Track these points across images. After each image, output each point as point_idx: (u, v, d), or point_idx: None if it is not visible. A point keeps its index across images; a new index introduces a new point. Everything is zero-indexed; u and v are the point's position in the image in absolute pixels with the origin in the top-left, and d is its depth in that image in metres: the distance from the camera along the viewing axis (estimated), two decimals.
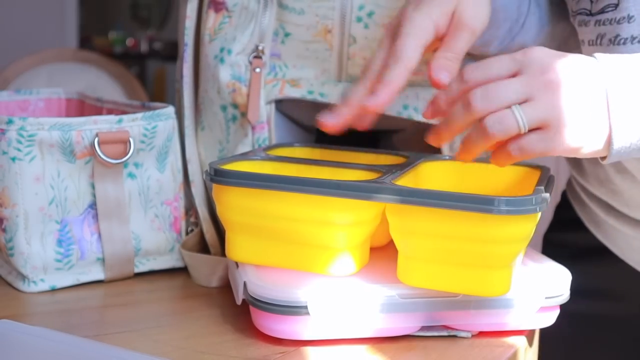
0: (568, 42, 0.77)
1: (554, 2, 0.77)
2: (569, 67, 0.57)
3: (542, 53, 0.58)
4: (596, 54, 0.59)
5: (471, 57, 0.76)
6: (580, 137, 0.57)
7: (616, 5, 0.66)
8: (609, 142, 0.58)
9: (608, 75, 0.57)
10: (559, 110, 0.56)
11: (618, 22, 0.66)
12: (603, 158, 0.60)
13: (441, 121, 0.61)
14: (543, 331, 0.69)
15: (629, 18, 0.65)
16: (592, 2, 0.68)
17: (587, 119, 0.57)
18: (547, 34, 0.75)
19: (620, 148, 0.58)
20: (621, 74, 0.58)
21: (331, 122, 0.66)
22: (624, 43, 0.65)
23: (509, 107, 0.56)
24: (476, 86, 0.58)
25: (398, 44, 0.64)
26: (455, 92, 0.59)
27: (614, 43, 0.66)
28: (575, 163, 0.87)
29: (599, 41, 0.68)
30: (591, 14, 0.69)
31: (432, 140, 0.62)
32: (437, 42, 0.66)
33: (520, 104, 0.57)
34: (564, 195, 0.95)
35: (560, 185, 0.99)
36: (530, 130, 0.57)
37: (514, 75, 0.58)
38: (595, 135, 0.57)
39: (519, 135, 0.57)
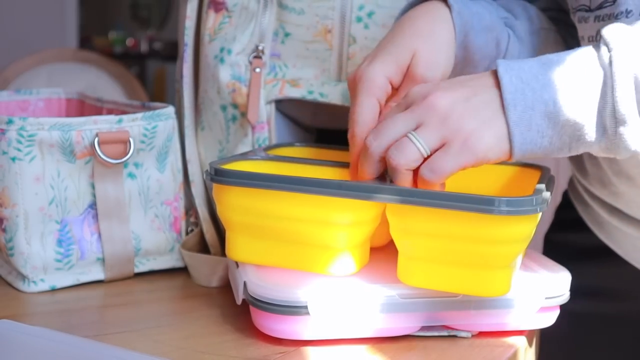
0: None
1: (541, 30, 0.77)
2: (449, 85, 0.59)
3: (419, 88, 0.60)
4: (498, 64, 0.59)
5: None
6: (483, 140, 0.57)
7: (614, 0, 0.66)
8: (510, 140, 0.58)
9: (501, 76, 0.58)
10: (452, 123, 0.57)
11: (616, 17, 0.66)
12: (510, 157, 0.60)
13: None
14: (544, 331, 0.69)
15: (627, 12, 0.65)
16: None
17: (484, 121, 0.57)
18: None
19: (524, 150, 0.58)
20: (515, 77, 0.58)
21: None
22: None
23: (401, 137, 0.58)
24: (381, 152, 0.60)
25: (354, 108, 0.64)
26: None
27: None
28: (578, 165, 0.87)
29: (598, 37, 0.68)
30: (590, 10, 0.69)
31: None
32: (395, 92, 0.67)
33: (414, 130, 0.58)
34: (565, 195, 0.94)
35: (561, 186, 0.99)
36: (434, 152, 0.58)
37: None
38: (496, 136, 0.57)
39: (425, 160, 0.58)
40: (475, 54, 0.70)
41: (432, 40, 0.66)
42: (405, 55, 0.65)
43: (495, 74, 0.59)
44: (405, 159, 0.58)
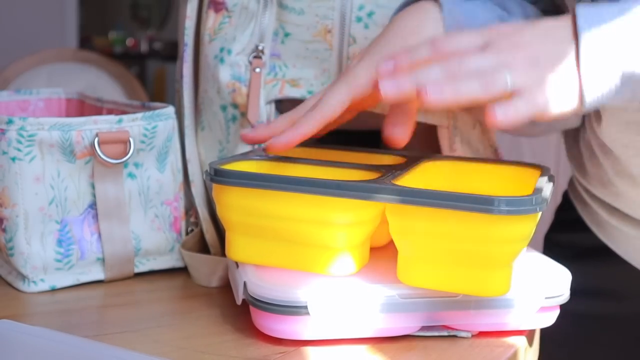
0: None
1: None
2: (533, 31, 0.58)
3: (506, 26, 0.59)
4: (578, 6, 0.59)
5: None
6: (556, 96, 0.56)
7: None
8: (581, 96, 0.57)
9: (582, 29, 0.57)
10: (530, 73, 0.56)
11: None
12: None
13: (396, 75, 0.59)
14: (544, 331, 0.69)
15: None
16: None
17: (558, 78, 0.57)
18: None
19: (592, 101, 0.57)
20: (594, 29, 0.57)
21: (249, 137, 0.68)
22: None
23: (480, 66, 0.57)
24: (447, 56, 0.58)
25: (327, 90, 0.65)
26: (422, 56, 0.59)
27: None
28: (578, 164, 0.87)
29: None
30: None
31: (388, 87, 0.59)
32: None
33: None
34: (565, 195, 0.95)
35: (561, 186, 0.99)
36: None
37: (482, 49, 0.58)
38: (568, 93, 0.57)
39: (501, 99, 0.56)
40: None
41: (422, 40, 0.66)
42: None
43: (574, 22, 0.58)
44: (496, 88, 0.56)
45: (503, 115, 0.55)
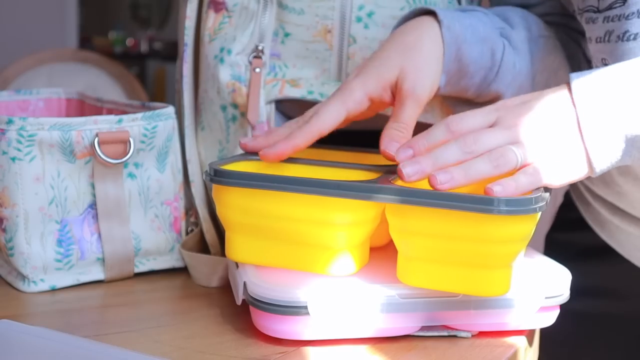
0: (558, 74, 0.77)
1: (539, 38, 0.77)
2: (538, 106, 0.60)
3: (512, 101, 0.62)
4: (572, 77, 0.61)
5: (455, 100, 0.76)
6: (562, 169, 0.60)
7: (624, 1, 0.66)
8: (590, 165, 0.60)
9: (578, 101, 0.60)
10: (537, 148, 0.59)
11: (627, 18, 0.66)
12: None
13: (416, 159, 0.60)
14: (545, 330, 0.69)
15: (638, 13, 0.65)
16: None
17: (565, 151, 0.59)
18: (526, 75, 0.75)
19: (602, 169, 0.60)
20: (591, 97, 0.60)
21: (249, 147, 0.68)
22: (634, 39, 0.65)
23: (495, 147, 0.59)
24: (461, 135, 0.60)
25: (323, 105, 0.66)
26: (438, 139, 0.61)
27: (622, 39, 0.66)
28: None
29: (607, 38, 0.68)
30: (599, 11, 0.69)
31: (410, 171, 0.60)
32: (372, 111, 0.69)
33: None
34: (566, 195, 0.95)
35: (562, 186, 0.99)
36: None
37: (492, 126, 0.61)
38: (576, 163, 0.60)
39: (510, 174, 0.59)
40: (469, 65, 0.70)
41: (419, 56, 0.67)
42: (391, 72, 0.67)
43: (576, 101, 0.60)
44: (505, 165, 0.58)
45: (502, 191, 0.56)
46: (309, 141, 0.65)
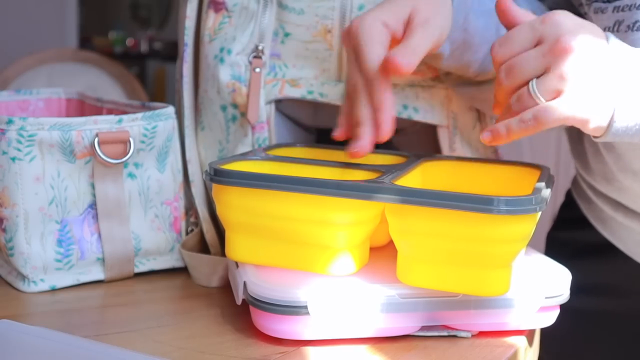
0: None
1: None
2: (584, 37, 0.58)
3: (560, 19, 0.59)
4: (609, 36, 0.60)
5: (456, 80, 0.76)
6: (589, 107, 0.58)
7: None
8: (611, 121, 0.59)
9: (617, 57, 0.59)
10: (571, 79, 0.57)
11: (638, 8, 0.66)
12: (597, 136, 0.61)
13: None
14: (546, 328, 0.68)
15: None
16: None
17: (599, 92, 0.58)
18: None
19: (618, 129, 0.59)
20: (628, 59, 0.59)
21: (359, 152, 0.66)
22: None
23: (529, 80, 0.59)
24: (503, 62, 0.60)
25: (361, 57, 0.63)
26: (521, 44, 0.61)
27: (632, 29, 0.66)
28: (582, 162, 0.87)
29: (616, 28, 0.68)
30: (608, 1, 0.69)
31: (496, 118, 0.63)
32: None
33: (540, 75, 0.59)
34: (568, 194, 0.95)
35: (562, 185, 0.99)
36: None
37: (536, 44, 0.59)
38: (603, 110, 0.59)
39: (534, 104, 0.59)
40: (474, 37, 0.70)
41: (432, 2, 0.66)
42: (404, 10, 0.65)
43: (616, 54, 0.59)
44: (523, 108, 0.59)
45: (532, 120, 0.57)
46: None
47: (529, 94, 0.58)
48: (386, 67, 0.61)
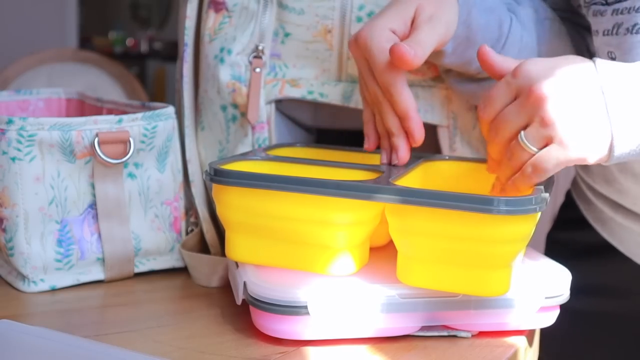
0: None
1: (545, 20, 0.77)
2: (561, 77, 0.58)
3: (529, 68, 0.59)
4: (595, 59, 0.60)
5: (457, 77, 0.76)
6: (583, 145, 0.58)
7: None
8: (611, 148, 0.59)
9: (606, 80, 0.58)
10: (555, 123, 0.57)
11: (637, 11, 0.66)
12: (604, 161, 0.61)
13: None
14: (546, 329, 0.68)
15: None
16: None
17: (588, 126, 0.58)
18: (532, 51, 0.75)
19: (621, 154, 0.59)
20: (619, 79, 0.58)
21: (401, 162, 0.68)
22: None
23: (517, 133, 0.59)
24: (490, 122, 0.61)
25: (377, 70, 0.64)
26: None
27: (631, 32, 0.66)
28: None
29: (615, 30, 0.67)
30: (607, 4, 0.68)
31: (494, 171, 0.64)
32: None
33: (526, 127, 0.59)
34: (567, 194, 0.95)
35: (563, 186, 0.99)
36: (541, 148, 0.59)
37: (515, 97, 0.60)
38: (598, 142, 0.58)
39: (530, 157, 0.59)
40: (477, 34, 0.70)
41: (437, 1, 0.66)
42: (409, 10, 0.66)
43: (603, 80, 0.59)
44: (518, 162, 0.60)
45: (531, 169, 0.58)
46: (409, 100, 0.65)
47: (520, 146, 0.59)
48: (393, 58, 0.62)
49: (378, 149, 0.73)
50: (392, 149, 0.68)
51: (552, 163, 0.58)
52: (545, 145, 0.59)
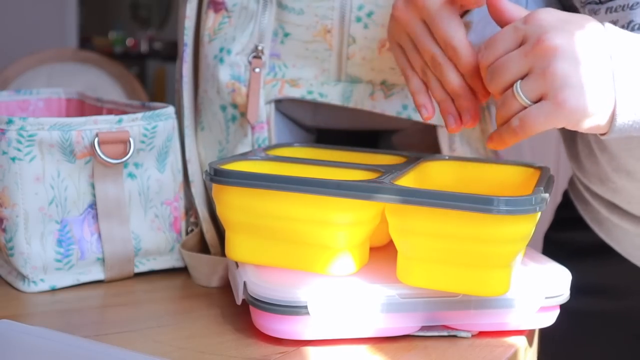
0: None
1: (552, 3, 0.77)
2: (568, 33, 0.55)
3: (542, 17, 0.56)
4: (605, 24, 0.57)
5: None
6: (581, 107, 0.55)
7: None
8: (612, 117, 0.56)
9: (615, 47, 0.56)
10: (556, 79, 0.54)
11: (631, 8, 0.65)
12: (603, 134, 0.58)
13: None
14: (544, 330, 0.69)
15: None
16: None
17: (589, 89, 0.55)
18: None
19: (623, 124, 0.56)
20: (628, 48, 0.56)
21: (472, 125, 0.65)
22: (639, 28, 0.65)
23: (514, 82, 0.56)
24: (488, 65, 0.58)
25: (441, 29, 0.61)
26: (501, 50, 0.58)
27: (627, 29, 0.66)
28: (577, 163, 0.87)
29: None
30: (601, 2, 0.68)
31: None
32: None
33: (524, 76, 0.56)
34: (565, 194, 0.95)
35: (561, 185, 0.99)
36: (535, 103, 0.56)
37: (520, 44, 0.57)
38: (598, 108, 0.55)
39: (522, 109, 0.57)
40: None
41: None
42: None
43: (613, 46, 0.56)
44: (508, 112, 0.57)
45: (519, 125, 0.55)
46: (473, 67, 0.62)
47: (513, 96, 0.56)
48: None
49: (378, 149, 0.73)
50: (459, 111, 0.64)
51: (540, 120, 0.55)
52: (539, 100, 0.56)
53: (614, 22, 0.66)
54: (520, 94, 0.56)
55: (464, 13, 0.65)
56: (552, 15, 0.56)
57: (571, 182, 0.93)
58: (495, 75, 0.57)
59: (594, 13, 0.69)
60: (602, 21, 0.67)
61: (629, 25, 0.66)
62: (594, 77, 0.55)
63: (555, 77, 0.54)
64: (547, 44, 0.55)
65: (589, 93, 0.55)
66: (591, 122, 0.56)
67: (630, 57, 0.56)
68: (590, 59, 0.55)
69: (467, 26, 0.69)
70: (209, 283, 0.75)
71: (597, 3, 0.69)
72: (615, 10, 0.67)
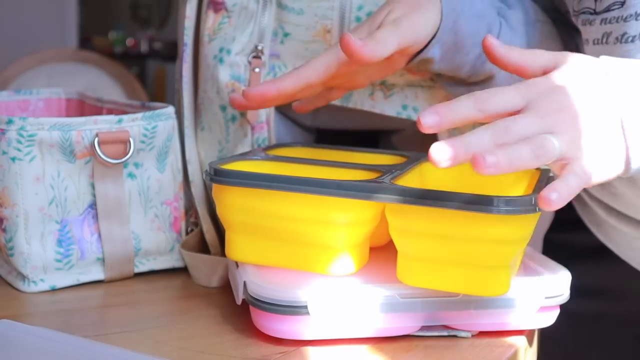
0: None
1: (537, 22, 0.77)
2: (578, 93, 0.55)
3: (545, 84, 0.56)
4: (604, 59, 0.57)
5: (447, 80, 0.75)
6: (602, 166, 0.55)
7: (622, 3, 0.65)
8: (627, 163, 0.56)
9: (620, 94, 0.55)
10: (577, 141, 0.54)
11: (625, 20, 0.65)
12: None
13: (448, 144, 0.53)
14: (543, 331, 0.69)
15: (637, 15, 0.65)
16: (596, 0, 0.68)
17: (604, 146, 0.55)
18: None
19: (636, 168, 0.56)
20: (633, 90, 0.56)
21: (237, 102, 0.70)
22: (632, 41, 0.65)
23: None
24: (491, 118, 0.55)
25: (317, 55, 0.66)
26: (464, 114, 0.55)
27: (620, 41, 0.66)
28: None
29: (604, 40, 0.67)
30: (596, 13, 0.68)
31: (442, 155, 0.53)
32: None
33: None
34: None
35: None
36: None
37: (520, 110, 0.55)
38: (614, 160, 0.55)
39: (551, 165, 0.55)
40: (466, 39, 0.69)
41: (411, 3, 0.66)
42: (380, 15, 0.65)
43: (618, 94, 0.55)
44: (545, 156, 0.52)
45: (558, 197, 0.51)
46: (294, 85, 0.66)
47: (551, 144, 0.52)
48: (342, 47, 0.61)
49: (378, 148, 0.73)
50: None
51: (573, 184, 0.52)
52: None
53: (608, 34, 0.66)
54: (558, 144, 0.53)
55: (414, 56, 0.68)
56: (551, 81, 0.56)
57: None
58: (514, 130, 0.53)
59: (588, 23, 0.69)
60: (596, 32, 0.67)
61: (622, 37, 0.66)
62: (606, 133, 0.55)
63: (578, 142, 0.53)
64: (561, 111, 0.54)
65: (605, 151, 0.54)
66: (611, 174, 0.56)
67: (636, 100, 0.55)
68: (600, 117, 0.54)
69: (429, 62, 0.70)
70: (209, 283, 0.75)
71: (591, 13, 0.69)
72: (610, 22, 0.67)
